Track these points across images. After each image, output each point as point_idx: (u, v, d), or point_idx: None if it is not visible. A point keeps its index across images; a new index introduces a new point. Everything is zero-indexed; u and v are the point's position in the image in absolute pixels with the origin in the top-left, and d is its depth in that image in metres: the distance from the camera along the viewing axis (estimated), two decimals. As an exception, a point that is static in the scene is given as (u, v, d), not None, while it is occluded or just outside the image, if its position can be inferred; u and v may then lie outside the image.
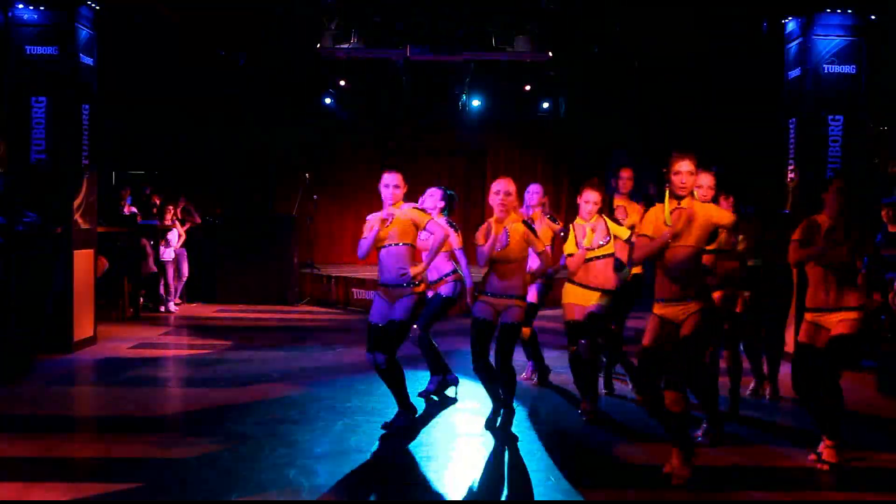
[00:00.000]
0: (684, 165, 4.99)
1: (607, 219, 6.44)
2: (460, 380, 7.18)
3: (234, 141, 15.17)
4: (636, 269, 6.96)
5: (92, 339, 9.23)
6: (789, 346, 8.80)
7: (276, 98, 14.83)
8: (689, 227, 4.95)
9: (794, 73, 9.07)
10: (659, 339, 4.96)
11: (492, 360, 6.01)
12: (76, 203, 8.90)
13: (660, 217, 5.02)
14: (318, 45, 10.87)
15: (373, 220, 5.99)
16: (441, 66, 12.63)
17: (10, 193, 8.75)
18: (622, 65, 12.81)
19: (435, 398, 6.99)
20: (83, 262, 9.05)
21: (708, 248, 5.30)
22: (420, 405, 6.79)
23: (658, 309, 5.01)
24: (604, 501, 4.82)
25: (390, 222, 5.90)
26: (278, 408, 6.63)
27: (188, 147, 14.97)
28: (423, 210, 6.19)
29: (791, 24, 9.14)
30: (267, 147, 15.50)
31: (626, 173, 7.37)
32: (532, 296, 7.16)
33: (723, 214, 5.08)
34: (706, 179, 5.67)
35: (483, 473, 5.20)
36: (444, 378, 7.05)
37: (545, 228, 7.23)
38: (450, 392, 7.11)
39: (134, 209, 12.15)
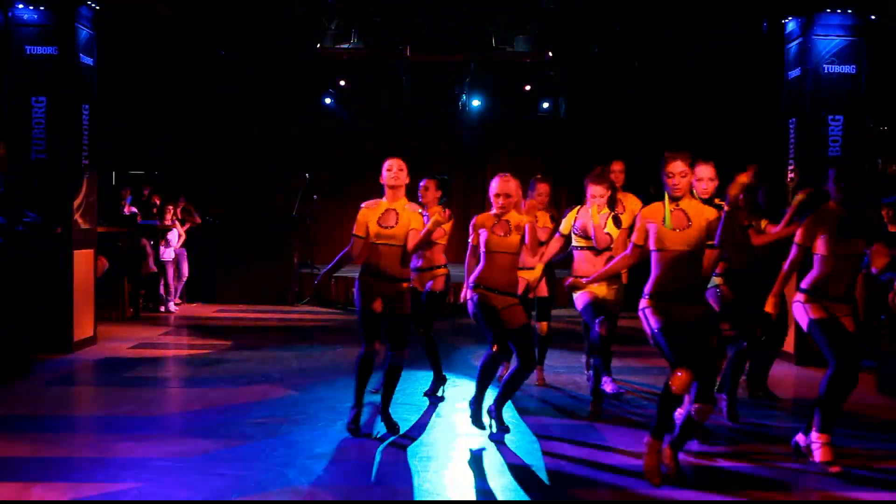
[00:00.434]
0: (677, 167, 4.92)
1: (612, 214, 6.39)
2: (460, 380, 7.18)
3: (233, 141, 15.17)
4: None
5: (92, 339, 9.23)
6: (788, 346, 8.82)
7: (275, 98, 14.84)
8: (690, 227, 4.89)
9: (794, 73, 9.07)
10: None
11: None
12: (76, 203, 8.90)
13: (657, 217, 4.96)
14: (318, 45, 10.88)
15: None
16: (441, 66, 12.65)
17: (10, 193, 8.75)
18: (622, 65, 12.82)
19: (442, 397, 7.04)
20: (83, 262, 9.05)
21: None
22: (421, 405, 6.80)
23: (655, 303, 4.92)
24: (604, 501, 4.82)
25: (398, 220, 5.85)
26: (278, 408, 6.63)
27: (188, 147, 14.97)
28: (421, 211, 6.14)
29: (791, 24, 9.14)
30: (267, 147, 15.51)
31: (617, 166, 7.32)
32: (543, 290, 7.24)
33: (713, 231, 4.90)
34: (706, 171, 5.59)
35: (483, 473, 5.20)
36: (439, 377, 7.11)
37: (543, 227, 7.19)
38: (440, 391, 7.15)
39: (134, 209, 12.15)
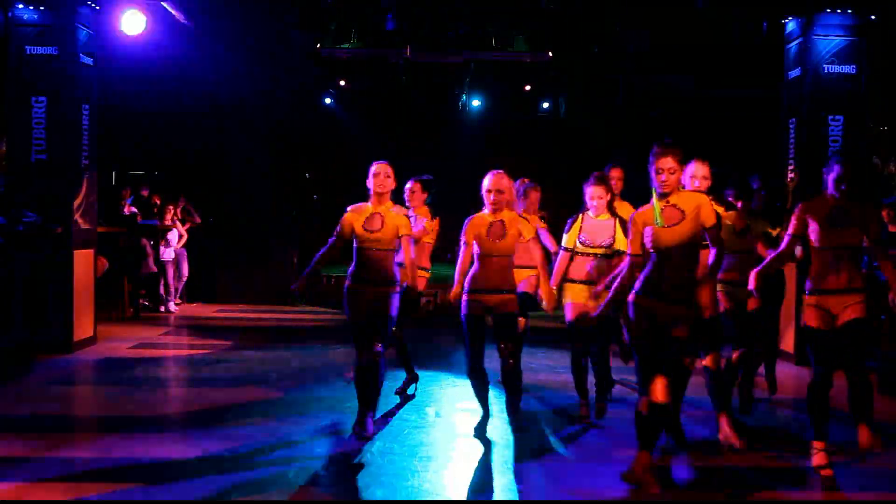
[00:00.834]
0: (667, 163, 4.78)
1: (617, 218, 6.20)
2: (460, 380, 7.17)
3: (233, 141, 15.15)
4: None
5: (92, 339, 9.23)
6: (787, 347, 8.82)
7: (275, 98, 14.83)
8: (683, 220, 4.78)
9: (794, 73, 9.07)
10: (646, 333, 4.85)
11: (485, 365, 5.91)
12: (76, 203, 8.89)
13: (650, 220, 4.85)
14: (318, 45, 10.88)
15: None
16: (441, 66, 12.65)
17: (10, 193, 8.75)
18: (622, 64, 12.82)
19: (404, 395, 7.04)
20: (83, 262, 9.05)
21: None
22: (421, 405, 6.80)
23: (644, 301, 4.86)
24: (604, 501, 4.82)
25: (384, 224, 5.81)
26: (278, 408, 6.63)
27: (188, 147, 14.96)
28: (407, 214, 6.10)
29: (791, 24, 9.14)
30: (267, 147, 15.49)
31: (616, 173, 7.09)
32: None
33: (709, 215, 4.83)
34: (701, 170, 5.53)
35: (483, 474, 5.20)
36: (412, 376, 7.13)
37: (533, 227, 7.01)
38: (411, 389, 7.14)
39: (134, 209, 12.15)
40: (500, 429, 6.01)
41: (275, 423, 6.17)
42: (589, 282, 6.13)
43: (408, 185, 6.95)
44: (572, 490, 4.93)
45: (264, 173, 15.64)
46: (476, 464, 5.37)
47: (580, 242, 6.21)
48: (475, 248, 5.81)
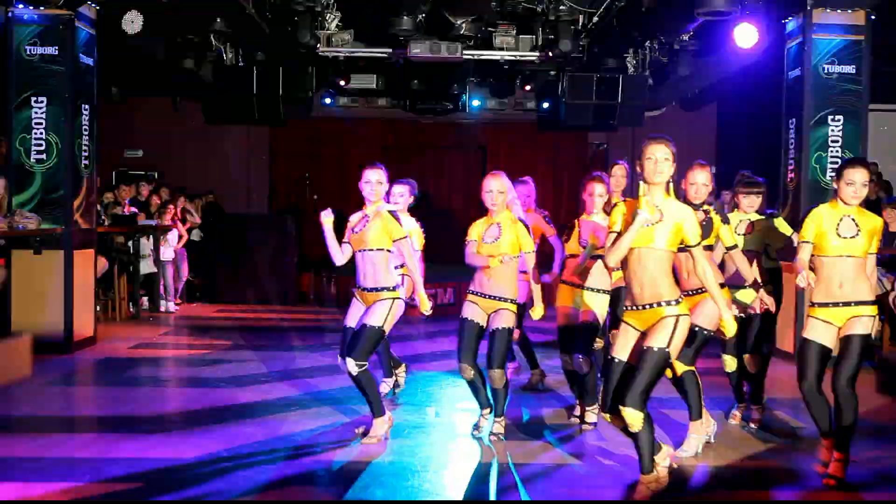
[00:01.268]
0: (658, 151, 4.47)
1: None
2: (460, 380, 7.15)
3: (233, 141, 15.17)
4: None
5: (92, 339, 9.23)
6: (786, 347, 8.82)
7: (275, 98, 14.81)
8: (661, 221, 4.47)
9: (794, 73, 9.07)
10: (627, 348, 4.59)
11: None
12: (76, 203, 8.90)
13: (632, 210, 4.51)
14: (318, 46, 10.87)
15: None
16: (441, 66, 12.62)
17: (9, 193, 8.75)
18: (622, 65, 12.80)
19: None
20: (83, 262, 9.05)
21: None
22: (421, 405, 6.80)
23: (628, 317, 4.63)
24: (604, 501, 4.82)
25: (367, 224, 5.72)
26: (278, 408, 6.63)
27: (188, 147, 14.98)
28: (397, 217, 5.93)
29: (791, 24, 9.14)
30: (267, 146, 15.52)
31: (620, 170, 7.10)
32: (523, 295, 6.93)
33: (694, 231, 4.52)
34: (701, 176, 5.44)
35: (483, 474, 5.20)
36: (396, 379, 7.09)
37: (535, 226, 6.95)
38: (385, 389, 7.03)
39: (134, 209, 12.15)
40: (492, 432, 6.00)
41: (275, 423, 6.18)
42: (579, 285, 6.02)
43: (394, 189, 6.85)
44: (571, 490, 4.93)
45: (264, 173, 15.70)
46: (476, 464, 5.37)
47: (583, 246, 6.13)
48: (474, 251, 5.85)
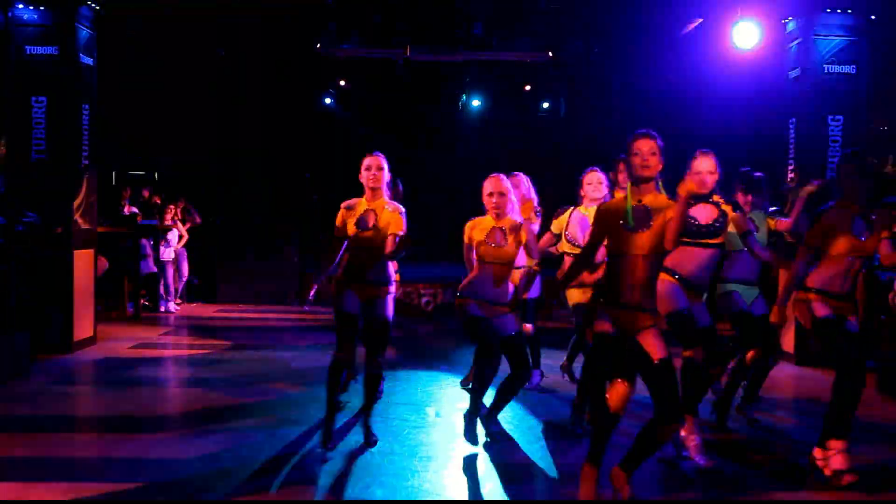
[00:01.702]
0: (644, 145, 4.36)
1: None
2: (458, 380, 7.18)
3: (233, 141, 15.17)
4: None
5: (92, 339, 9.23)
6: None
7: (276, 98, 14.84)
8: (650, 229, 4.34)
9: (794, 73, 9.08)
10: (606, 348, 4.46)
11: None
12: (76, 203, 8.90)
13: (617, 218, 4.41)
14: (318, 45, 10.88)
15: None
16: (441, 66, 12.64)
17: (9, 193, 8.75)
18: (622, 64, 12.81)
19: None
20: (83, 262, 9.05)
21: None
22: (421, 405, 6.80)
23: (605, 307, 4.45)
24: (604, 501, 4.81)
25: (375, 221, 5.54)
26: (278, 408, 6.63)
27: (188, 147, 14.97)
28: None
29: (791, 24, 9.15)
30: (267, 147, 15.51)
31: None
32: (535, 290, 6.92)
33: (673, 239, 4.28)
34: (706, 164, 5.24)
35: (483, 474, 5.20)
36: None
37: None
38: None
39: (134, 209, 12.15)
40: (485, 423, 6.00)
41: (275, 422, 6.17)
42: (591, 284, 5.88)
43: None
44: (571, 490, 4.93)
45: (264, 173, 15.69)
46: (476, 464, 5.37)
47: (567, 239, 6.10)
48: (474, 254, 5.66)
